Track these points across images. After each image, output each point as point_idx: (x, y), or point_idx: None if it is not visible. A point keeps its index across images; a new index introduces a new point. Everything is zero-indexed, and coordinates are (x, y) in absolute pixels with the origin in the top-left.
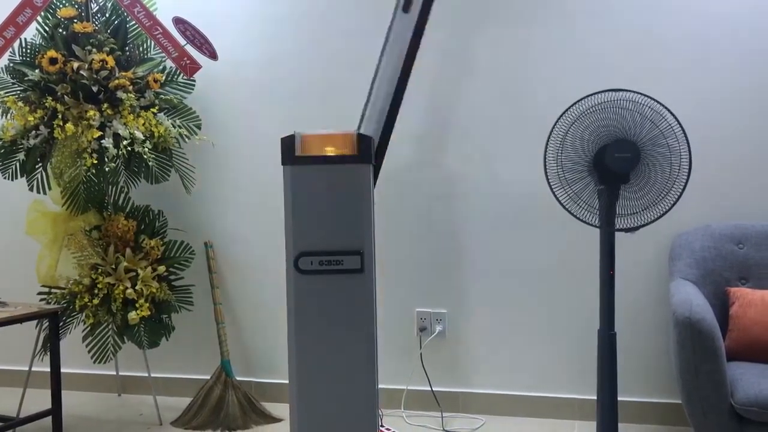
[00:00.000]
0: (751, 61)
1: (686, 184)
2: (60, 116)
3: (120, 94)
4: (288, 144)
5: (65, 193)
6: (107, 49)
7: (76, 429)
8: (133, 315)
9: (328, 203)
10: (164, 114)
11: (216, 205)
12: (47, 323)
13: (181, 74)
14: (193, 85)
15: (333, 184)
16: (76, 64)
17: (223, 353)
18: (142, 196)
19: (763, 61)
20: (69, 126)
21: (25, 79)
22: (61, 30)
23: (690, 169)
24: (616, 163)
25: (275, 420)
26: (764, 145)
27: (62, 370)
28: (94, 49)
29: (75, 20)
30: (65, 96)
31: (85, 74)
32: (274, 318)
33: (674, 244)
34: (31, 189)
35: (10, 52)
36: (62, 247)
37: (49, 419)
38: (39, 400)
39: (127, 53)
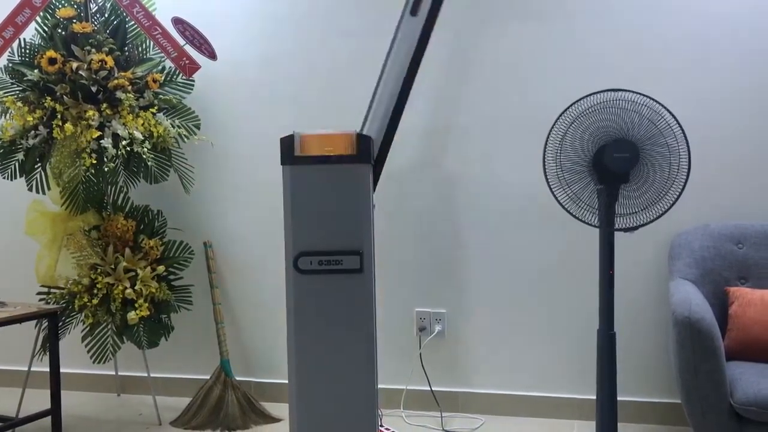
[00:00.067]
0: (751, 61)
1: (685, 183)
2: (59, 116)
3: (119, 94)
4: (287, 144)
5: (64, 193)
6: (106, 49)
7: (76, 429)
8: (132, 315)
9: (327, 203)
10: (163, 114)
11: (215, 205)
12: (46, 323)
13: (180, 74)
14: (192, 85)
15: (332, 184)
16: (75, 65)
17: (223, 353)
18: (141, 196)
19: (763, 61)
20: (68, 126)
21: (24, 79)
22: (60, 30)
23: (689, 168)
24: (615, 162)
25: (274, 420)
26: (764, 145)
27: (61, 370)
28: (93, 50)
29: (74, 20)
30: (64, 96)
31: (84, 74)
32: (274, 318)
33: (674, 243)
34: (30, 189)
35: (9, 52)
36: (61, 247)
37: (48, 419)
38: (38, 400)
39: (126, 53)
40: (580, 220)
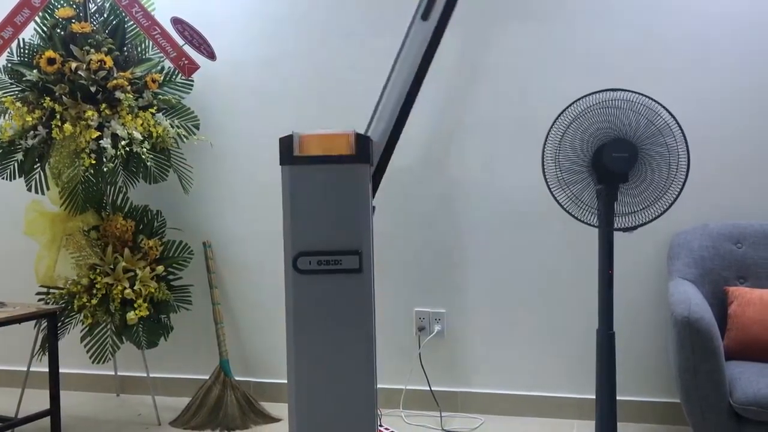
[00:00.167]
0: (751, 61)
1: (684, 183)
2: (58, 116)
3: (118, 94)
4: (286, 144)
5: (63, 193)
6: (105, 49)
7: (75, 429)
8: (131, 315)
9: (326, 203)
10: (162, 114)
11: (214, 205)
12: (46, 323)
13: (180, 74)
14: (192, 86)
15: (331, 184)
16: (74, 65)
17: (222, 353)
18: (140, 196)
19: (763, 61)
20: (67, 126)
21: (23, 79)
22: (59, 30)
23: (688, 168)
24: (614, 162)
25: (274, 420)
26: (764, 145)
27: (61, 370)
28: (92, 50)
29: (73, 20)
30: (63, 96)
31: (83, 74)
32: (273, 318)
33: (673, 243)
34: (29, 189)
35: (8, 52)
36: (61, 247)
37: (47, 419)
38: (37, 400)
39: (126, 53)
40: (579, 220)
